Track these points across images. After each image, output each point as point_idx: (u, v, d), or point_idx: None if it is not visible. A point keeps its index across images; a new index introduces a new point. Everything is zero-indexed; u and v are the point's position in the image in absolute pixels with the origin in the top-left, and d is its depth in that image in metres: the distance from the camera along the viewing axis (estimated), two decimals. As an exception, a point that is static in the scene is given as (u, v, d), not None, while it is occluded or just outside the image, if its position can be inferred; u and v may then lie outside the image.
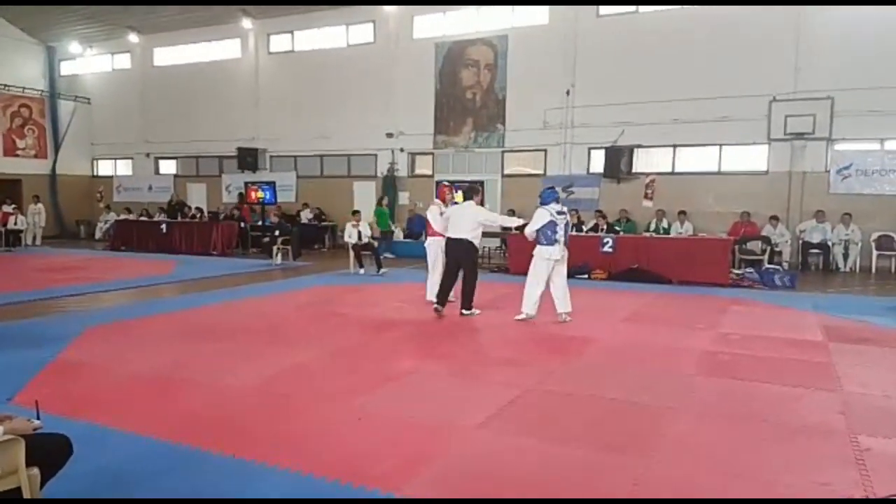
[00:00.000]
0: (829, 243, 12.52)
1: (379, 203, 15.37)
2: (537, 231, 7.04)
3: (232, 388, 4.55)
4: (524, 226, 7.47)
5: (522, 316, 7.15)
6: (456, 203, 8.03)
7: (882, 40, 12.24)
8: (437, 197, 8.54)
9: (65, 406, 4.01)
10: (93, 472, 3.09)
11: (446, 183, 8.77)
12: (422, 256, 8.93)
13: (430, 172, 16.87)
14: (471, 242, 7.50)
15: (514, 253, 11.39)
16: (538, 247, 7.10)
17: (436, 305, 7.51)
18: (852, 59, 12.40)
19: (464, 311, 7.48)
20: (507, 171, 16.13)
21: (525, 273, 7.40)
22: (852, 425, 3.88)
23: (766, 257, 12.02)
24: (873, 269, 12.31)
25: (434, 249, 8.25)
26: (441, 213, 8.12)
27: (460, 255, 7.48)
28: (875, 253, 12.44)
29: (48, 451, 2.49)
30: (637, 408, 4.22)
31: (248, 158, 18.59)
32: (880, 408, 4.25)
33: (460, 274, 7.60)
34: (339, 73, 17.51)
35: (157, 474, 3.15)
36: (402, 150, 17.16)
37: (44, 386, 4.56)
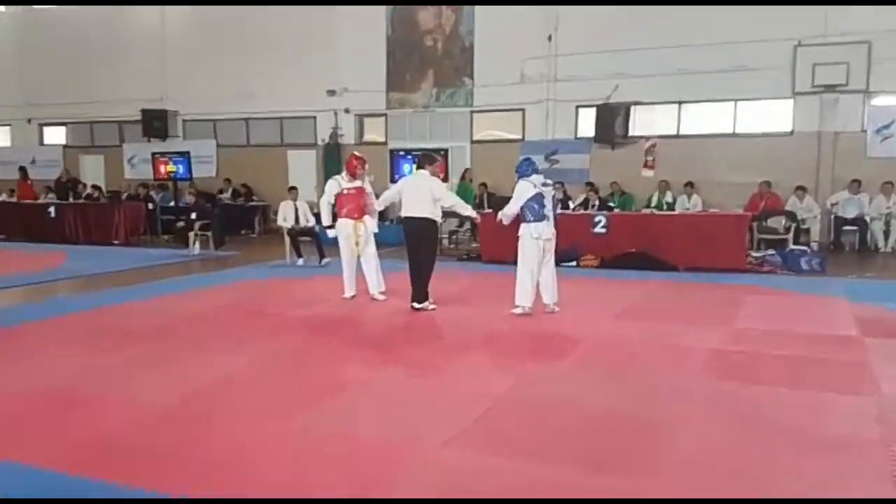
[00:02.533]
0: (867, 218, 12.80)
1: (462, 177, 15.08)
2: (522, 206, 7.17)
3: (144, 406, 4.54)
4: (495, 212, 7.53)
5: (518, 310, 7.26)
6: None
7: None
8: (345, 169, 8.44)
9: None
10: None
11: (356, 153, 8.61)
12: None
13: (382, 139, 16.75)
14: (431, 221, 7.56)
15: (485, 236, 11.32)
16: (524, 225, 7.25)
17: (412, 304, 7.55)
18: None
19: (415, 305, 7.53)
20: (477, 137, 16.15)
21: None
22: (891, 435, 3.97)
23: (790, 236, 12.21)
24: (919, 248, 12.70)
25: (344, 233, 8.19)
26: (344, 190, 8.15)
27: (420, 236, 7.55)
28: (921, 229, 12.83)
29: None
30: (632, 420, 4.29)
31: (155, 123, 18.32)
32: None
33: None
34: (266, 18, 17.19)
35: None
36: (347, 111, 17.03)
37: None
